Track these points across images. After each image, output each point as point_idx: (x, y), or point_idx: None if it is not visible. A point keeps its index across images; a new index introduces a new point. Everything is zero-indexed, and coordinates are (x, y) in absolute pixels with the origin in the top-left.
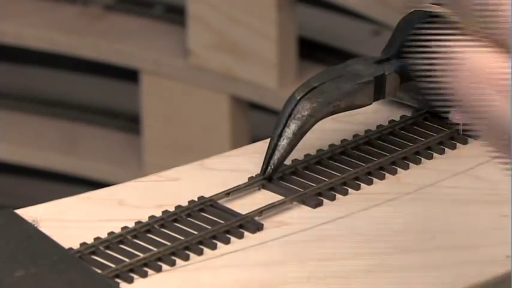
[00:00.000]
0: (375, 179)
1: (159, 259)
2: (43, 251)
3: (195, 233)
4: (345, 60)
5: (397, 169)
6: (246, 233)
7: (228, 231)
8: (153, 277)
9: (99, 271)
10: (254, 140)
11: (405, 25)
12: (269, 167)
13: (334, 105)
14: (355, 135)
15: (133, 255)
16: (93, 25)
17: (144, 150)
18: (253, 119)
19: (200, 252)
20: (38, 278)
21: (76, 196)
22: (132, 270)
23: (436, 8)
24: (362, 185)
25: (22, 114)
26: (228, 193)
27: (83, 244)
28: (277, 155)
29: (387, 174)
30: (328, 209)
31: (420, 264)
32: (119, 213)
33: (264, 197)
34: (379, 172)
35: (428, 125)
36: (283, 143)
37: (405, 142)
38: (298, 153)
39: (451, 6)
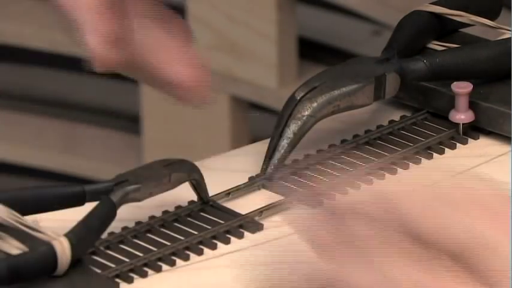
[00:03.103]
0: (375, 179)
1: (159, 259)
2: None
3: (195, 233)
4: (345, 60)
5: (397, 169)
6: (246, 233)
7: (228, 231)
8: (153, 277)
9: (99, 271)
10: (254, 140)
11: (405, 25)
12: (269, 167)
13: (334, 105)
14: (355, 135)
15: (133, 255)
16: None
17: (144, 150)
18: (253, 119)
19: (200, 252)
20: None
21: None
22: (132, 270)
23: (436, 8)
24: (362, 185)
25: (22, 114)
26: (228, 193)
27: None
28: (277, 155)
29: (387, 174)
30: None
31: None
32: (119, 213)
33: (264, 197)
34: (379, 172)
35: (428, 125)
36: (283, 143)
37: (405, 142)
38: (298, 153)
39: None
